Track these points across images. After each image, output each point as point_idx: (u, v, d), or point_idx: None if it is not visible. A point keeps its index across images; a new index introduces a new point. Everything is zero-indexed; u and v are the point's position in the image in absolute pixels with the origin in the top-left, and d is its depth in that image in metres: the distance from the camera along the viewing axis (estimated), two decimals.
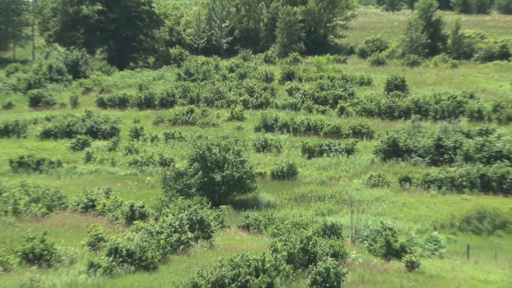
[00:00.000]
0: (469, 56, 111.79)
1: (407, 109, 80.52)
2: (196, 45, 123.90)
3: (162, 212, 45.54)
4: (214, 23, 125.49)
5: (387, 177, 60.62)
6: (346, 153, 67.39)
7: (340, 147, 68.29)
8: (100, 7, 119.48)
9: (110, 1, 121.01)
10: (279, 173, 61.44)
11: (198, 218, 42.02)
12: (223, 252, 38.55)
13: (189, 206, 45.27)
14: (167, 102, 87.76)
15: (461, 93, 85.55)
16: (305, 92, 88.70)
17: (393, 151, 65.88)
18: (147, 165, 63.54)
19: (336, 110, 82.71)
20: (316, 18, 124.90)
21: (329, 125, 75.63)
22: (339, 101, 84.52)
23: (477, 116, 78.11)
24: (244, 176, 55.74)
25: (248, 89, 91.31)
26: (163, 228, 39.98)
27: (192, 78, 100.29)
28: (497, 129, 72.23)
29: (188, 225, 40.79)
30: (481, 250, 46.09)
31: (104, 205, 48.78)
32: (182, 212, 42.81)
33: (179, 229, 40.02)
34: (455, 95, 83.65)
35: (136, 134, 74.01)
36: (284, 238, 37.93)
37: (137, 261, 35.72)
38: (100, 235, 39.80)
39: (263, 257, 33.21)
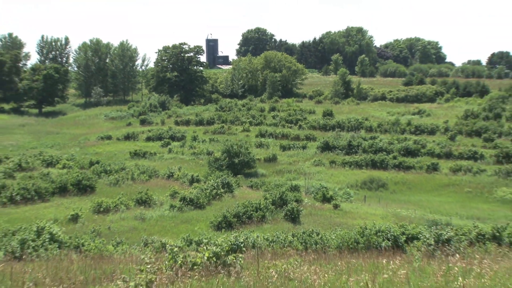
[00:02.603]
0: (365, 99, 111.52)
1: (333, 126, 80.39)
2: (225, 93, 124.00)
3: (208, 179, 45.96)
4: (234, 81, 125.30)
5: (323, 160, 60.70)
6: (302, 148, 67.39)
7: (299, 145, 68.26)
8: (175, 74, 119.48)
9: (181, 70, 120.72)
10: (268, 159, 61.53)
11: (226, 181, 42.50)
12: (239, 199, 38.83)
13: (222, 176, 45.88)
14: (210, 122, 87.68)
15: (361, 118, 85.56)
16: (281, 117, 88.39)
17: (326, 147, 65.77)
18: (200, 154, 63.59)
19: (297, 126, 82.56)
20: (287, 79, 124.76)
21: (293, 134, 75.69)
22: (298, 121, 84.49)
23: (369, 129, 78.16)
24: (250, 160, 56.07)
25: (252, 115, 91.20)
26: (208, 187, 40.55)
27: (223, 110, 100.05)
28: (380, 136, 72.52)
29: (221, 185, 41.32)
30: (371, 199, 46.37)
31: (178, 175, 49.10)
32: (218, 179, 43.31)
33: (216, 187, 40.62)
34: (358, 119, 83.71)
35: (194, 138, 74.11)
36: (270, 192, 38.65)
37: (195, 204, 36.16)
38: (175, 191, 40.28)
39: (259, 202, 33.91)
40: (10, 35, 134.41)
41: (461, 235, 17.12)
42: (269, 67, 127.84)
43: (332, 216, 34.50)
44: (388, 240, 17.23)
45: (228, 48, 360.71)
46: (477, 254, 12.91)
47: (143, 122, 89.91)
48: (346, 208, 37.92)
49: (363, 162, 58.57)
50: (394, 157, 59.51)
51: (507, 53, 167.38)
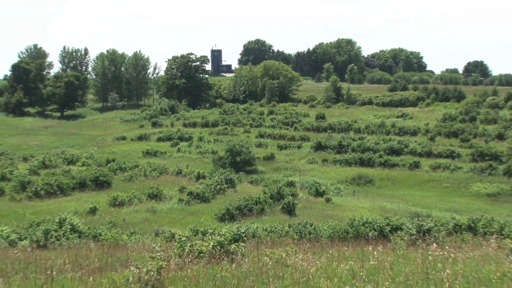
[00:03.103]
0: (354, 103, 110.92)
1: (325, 128, 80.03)
2: (228, 98, 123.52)
3: (212, 175, 45.82)
4: (237, 87, 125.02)
5: (316, 159, 60.38)
6: (297, 148, 67.12)
7: (295, 145, 67.95)
8: (184, 81, 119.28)
9: (188, 78, 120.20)
10: (266, 157, 61.12)
11: (229, 178, 42.52)
12: (241, 194, 38.76)
13: (225, 172, 45.82)
14: (215, 124, 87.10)
15: (350, 120, 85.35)
16: (278, 120, 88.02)
17: (319, 147, 65.41)
18: (205, 153, 63.27)
19: (293, 128, 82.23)
20: (283, 85, 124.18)
21: (290, 135, 75.44)
22: (294, 124, 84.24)
23: (358, 131, 77.84)
24: (250, 158, 55.80)
25: (252, 118, 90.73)
26: (213, 183, 40.47)
27: (226, 113, 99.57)
28: (367, 137, 72.27)
29: (224, 181, 41.31)
30: (360, 193, 46.10)
31: (186, 172, 48.83)
32: (221, 175, 43.31)
33: (220, 183, 40.59)
34: (348, 121, 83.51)
35: (201, 139, 73.64)
36: (269, 187, 38.59)
37: (201, 198, 36.08)
38: (183, 186, 40.25)
39: (259, 196, 33.94)
40: (35, 46, 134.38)
41: (440, 226, 17.13)
42: (267, 75, 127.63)
43: (324, 209, 34.48)
44: (375, 230, 17.22)
45: (231, 57, 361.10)
46: (454, 243, 12.92)
47: (154, 124, 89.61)
48: (337, 202, 37.90)
49: (352, 160, 58.48)
50: (380, 156, 59.46)
51: (482, 62, 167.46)
